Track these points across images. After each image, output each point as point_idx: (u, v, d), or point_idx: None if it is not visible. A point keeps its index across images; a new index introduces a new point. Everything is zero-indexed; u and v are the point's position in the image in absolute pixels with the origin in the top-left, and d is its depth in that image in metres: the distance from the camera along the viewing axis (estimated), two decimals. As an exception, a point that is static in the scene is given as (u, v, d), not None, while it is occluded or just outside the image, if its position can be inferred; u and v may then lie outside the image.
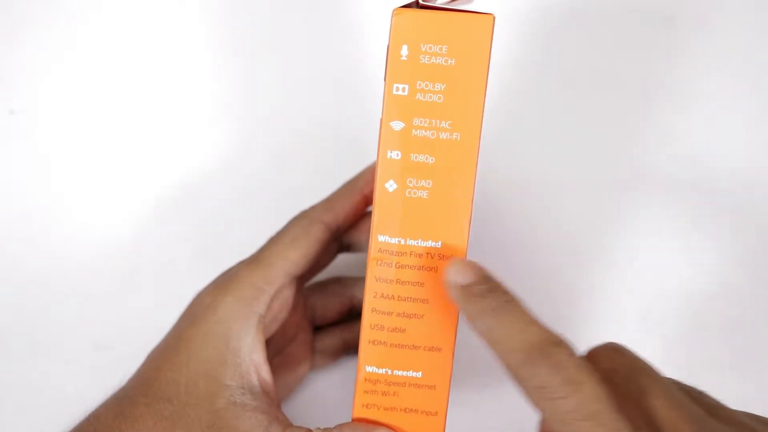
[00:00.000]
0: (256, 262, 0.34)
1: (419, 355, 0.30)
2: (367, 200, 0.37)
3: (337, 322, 0.41)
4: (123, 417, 0.31)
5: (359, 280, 0.40)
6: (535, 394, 0.26)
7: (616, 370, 0.27)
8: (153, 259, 0.43)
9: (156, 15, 0.43)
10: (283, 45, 0.43)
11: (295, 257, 0.34)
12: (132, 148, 0.43)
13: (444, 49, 0.28)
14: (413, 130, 0.28)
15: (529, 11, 0.43)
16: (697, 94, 0.43)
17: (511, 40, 0.43)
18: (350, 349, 0.40)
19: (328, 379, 0.41)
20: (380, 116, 0.28)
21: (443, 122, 0.28)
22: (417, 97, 0.28)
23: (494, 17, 0.27)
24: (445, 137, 0.28)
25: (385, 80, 0.28)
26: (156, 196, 0.43)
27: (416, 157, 0.28)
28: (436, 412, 0.30)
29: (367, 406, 0.30)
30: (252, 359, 0.32)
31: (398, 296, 0.29)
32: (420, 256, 0.29)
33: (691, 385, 0.29)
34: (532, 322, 0.27)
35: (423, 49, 0.28)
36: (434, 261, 0.29)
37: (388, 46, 0.28)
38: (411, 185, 0.29)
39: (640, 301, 0.42)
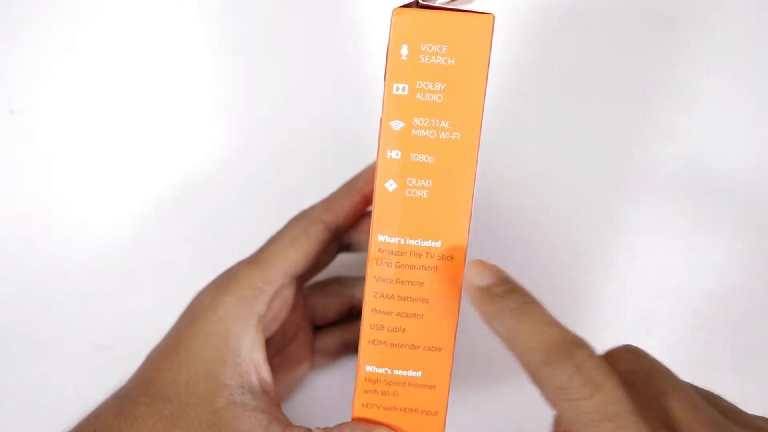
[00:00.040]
0: (255, 262, 0.34)
1: (419, 354, 0.30)
2: (367, 200, 0.37)
3: (337, 322, 0.41)
4: (123, 416, 0.31)
5: (359, 280, 0.40)
6: (554, 394, 0.26)
7: (635, 372, 0.28)
8: (153, 259, 0.43)
9: (156, 15, 0.43)
10: (283, 45, 0.43)
11: (295, 257, 0.34)
12: (132, 148, 0.43)
13: (444, 49, 0.28)
14: (413, 130, 0.28)
15: (529, 11, 0.43)
16: (697, 94, 0.43)
17: (511, 40, 0.43)
18: (350, 348, 0.40)
19: (328, 379, 0.41)
20: (380, 116, 0.28)
21: (443, 122, 0.28)
22: (417, 96, 0.28)
23: (494, 17, 0.27)
24: (444, 137, 0.28)
25: (384, 80, 0.28)
26: (156, 196, 0.43)
27: (416, 157, 0.28)
28: (436, 412, 0.30)
29: (366, 405, 0.30)
30: (252, 359, 0.32)
31: (398, 296, 0.29)
32: (420, 255, 0.29)
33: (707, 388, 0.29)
34: (552, 322, 0.27)
35: (423, 49, 0.28)
36: (434, 260, 0.29)
37: (387, 45, 0.28)
38: (411, 185, 0.29)
39: (640, 301, 0.42)
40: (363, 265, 0.41)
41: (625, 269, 0.43)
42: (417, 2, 0.28)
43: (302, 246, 0.34)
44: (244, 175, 0.43)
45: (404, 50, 0.28)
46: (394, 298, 0.29)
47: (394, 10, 0.27)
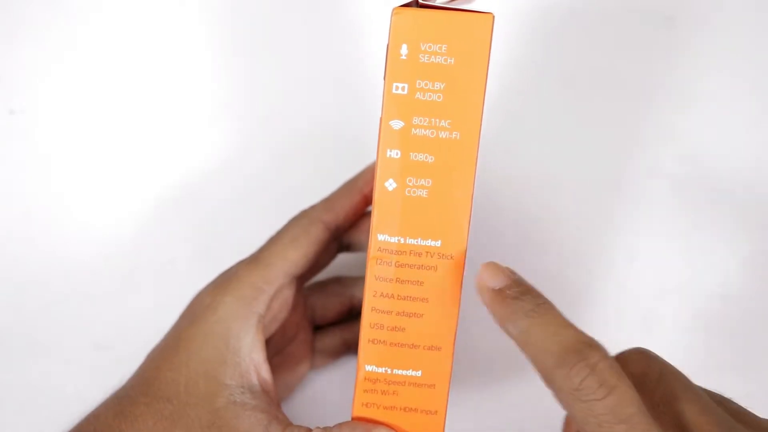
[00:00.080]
0: (255, 262, 0.34)
1: (419, 354, 0.30)
2: (367, 200, 0.37)
3: (337, 321, 0.41)
4: (123, 416, 0.31)
5: (359, 280, 0.40)
6: (568, 396, 0.26)
7: (646, 375, 0.28)
8: (153, 259, 0.43)
9: (156, 15, 0.43)
10: (283, 45, 0.43)
11: (295, 257, 0.34)
12: (132, 148, 0.43)
13: (443, 49, 0.28)
14: (413, 129, 0.28)
15: (529, 11, 0.43)
16: (697, 94, 0.43)
17: (511, 40, 0.43)
18: (350, 348, 0.40)
19: (328, 378, 0.41)
20: (380, 115, 0.28)
21: (443, 121, 0.28)
22: (416, 96, 0.28)
23: (494, 16, 0.27)
24: (444, 136, 0.28)
25: (384, 79, 0.28)
26: (156, 196, 0.43)
27: (416, 156, 0.28)
28: (436, 411, 0.30)
29: (366, 405, 0.30)
30: (252, 359, 0.32)
31: (398, 295, 0.29)
32: (420, 255, 0.29)
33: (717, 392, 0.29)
34: (566, 324, 0.27)
35: (422, 48, 0.28)
36: (434, 260, 0.29)
37: (387, 45, 0.28)
38: (410, 184, 0.29)
39: (640, 301, 0.42)
40: (363, 265, 0.41)
41: (625, 269, 0.43)
42: (417, 2, 0.28)
43: (302, 246, 0.34)
44: (244, 175, 0.43)
45: (404, 50, 0.28)
46: (393, 297, 0.29)
47: (393, 9, 0.27)
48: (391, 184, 0.29)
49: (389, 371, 0.30)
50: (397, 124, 0.28)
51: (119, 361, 0.35)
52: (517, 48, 0.43)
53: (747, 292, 0.42)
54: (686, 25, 0.43)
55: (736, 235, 0.43)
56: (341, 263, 0.41)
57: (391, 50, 0.28)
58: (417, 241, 0.29)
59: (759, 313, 0.42)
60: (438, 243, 0.29)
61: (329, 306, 0.40)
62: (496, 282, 0.28)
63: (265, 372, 0.33)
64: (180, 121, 0.44)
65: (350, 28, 0.43)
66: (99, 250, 0.43)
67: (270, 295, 0.33)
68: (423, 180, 0.29)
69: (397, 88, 0.28)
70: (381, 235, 0.29)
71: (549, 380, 0.26)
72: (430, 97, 0.28)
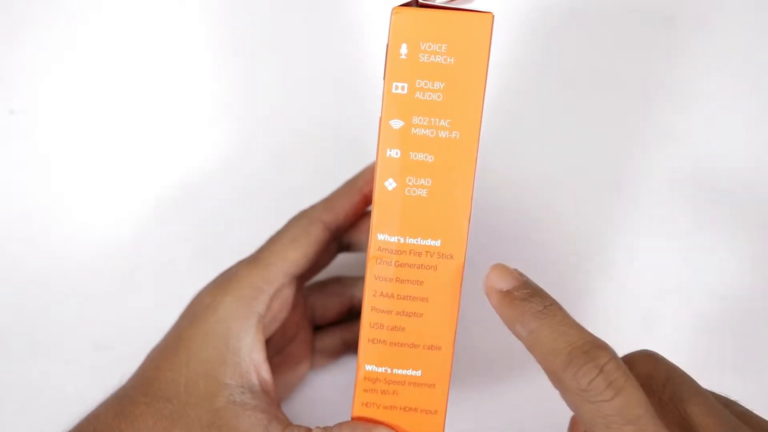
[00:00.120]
0: (255, 261, 0.34)
1: (419, 353, 0.30)
2: (367, 199, 0.37)
3: (337, 321, 0.41)
4: (123, 416, 0.31)
5: (359, 280, 0.40)
6: (575, 396, 0.26)
7: (652, 377, 0.28)
8: (153, 259, 0.43)
9: (156, 15, 0.43)
10: (283, 45, 0.43)
11: (295, 257, 0.34)
12: (132, 148, 0.43)
13: (443, 48, 0.28)
14: (412, 129, 0.28)
15: (529, 11, 0.43)
16: (697, 94, 0.43)
17: (511, 40, 0.43)
18: (350, 348, 0.40)
19: (328, 378, 0.41)
20: (380, 115, 0.28)
21: (442, 121, 0.28)
22: (416, 95, 0.28)
23: (493, 16, 0.27)
24: (444, 136, 0.28)
25: (384, 79, 0.28)
26: (156, 196, 0.43)
27: (415, 156, 0.28)
28: (436, 411, 0.30)
29: (366, 404, 0.30)
30: (252, 358, 0.32)
31: (398, 295, 0.29)
32: (419, 254, 0.29)
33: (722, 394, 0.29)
34: (575, 325, 0.27)
35: (422, 48, 0.28)
36: (434, 259, 0.29)
37: (387, 44, 0.28)
38: (410, 184, 0.29)
39: (640, 301, 0.42)
40: (363, 265, 0.41)
41: (625, 269, 0.43)
42: (416, 1, 0.28)
43: (302, 246, 0.34)
44: (244, 175, 0.43)
45: (403, 49, 0.28)
46: (393, 296, 0.29)
47: (393, 9, 0.27)
48: (390, 184, 0.29)
49: (389, 371, 0.30)
50: (396, 124, 0.28)
51: (119, 361, 0.35)
52: (517, 48, 0.43)
53: (747, 292, 0.42)
54: (686, 25, 0.43)
55: (736, 235, 0.43)
56: (341, 263, 0.41)
57: (390, 50, 0.28)
58: (417, 241, 0.29)
59: (759, 313, 0.42)
60: (438, 242, 0.29)
61: (329, 306, 0.40)
62: (505, 284, 0.28)
63: (265, 372, 0.33)
64: (180, 121, 0.44)
65: (350, 28, 0.43)
66: (99, 250, 0.43)
67: (270, 295, 0.33)
68: (423, 179, 0.29)
69: (396, 87, 0.28)
70: (381, 235, 0.29)
71: (557, 381, 0.27)
72: (429, 96, 0.28)
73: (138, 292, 0.43)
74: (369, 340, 0.30)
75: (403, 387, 0.30)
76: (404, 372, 0.30)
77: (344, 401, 0.33)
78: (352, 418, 0.30)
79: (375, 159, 0.30)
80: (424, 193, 0.29)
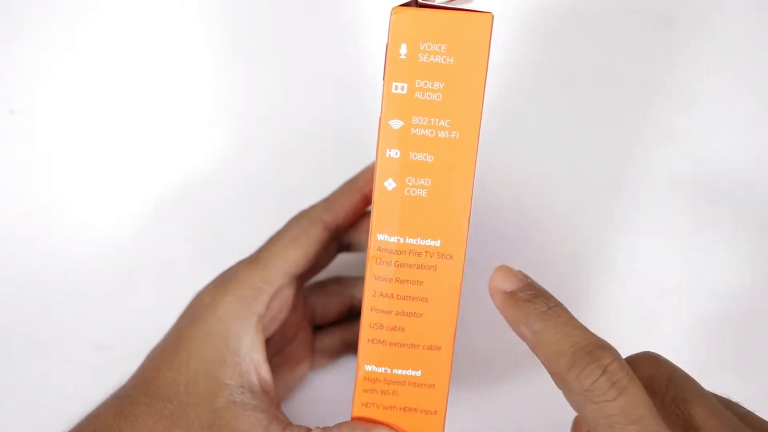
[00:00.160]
0: (255, 261, 0.34)
1: (418, 353, 0.30)
2: (367, 200, 0.37)
3: (337, 321, 0.41)
4: (123, 416, 0.31)
5: (359, 280, 0.40)
6: (579, 396, 0.26)
7: (655, 378, 0.28)
8: (153, 259, 0.43)
9: (156, 15, 0.43)
10: (283, 45, 0.43)
11: (295, 257, 0.34)
12: (132, 148, 0.43)
13: (443, 48, 0.28)
14: (412, 129, 0.28)
15: (529, 11, 0.43)
16: (697, 94, 0.43)
17: (511, 40, 0.43)
18: (350, 348, 0.40)
19: (328, 379, 0.41)
20: (379, 115, 0.28)
21: (442, 121, 0.28)
22: (416, 95, 0.28)
23: (493, 16, 0.27)
24: (444, 136, 0.28)
25: (384, 79, 0.28)
26: (156, 196, 0.43)
27: (415, 156, 0.28)
28: (436, 411, 0.30)
29: (366, 405, 0.30)
30: (251, 358, 0.32)
31: (397, 295, 0.29)
32: (419, 254, 0.29)
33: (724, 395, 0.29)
34: (579, 326, 0.27)
35: (422, 48, 0.28)
36: (433, 259, 0.29)
37: (387, 44, 0.28)
38: (410, 184, 0.29)
39: (640, 301, 0.42)
40: (363, 265, 0.41)
41: (625, 269, 0.43)
42: (416, 1, 0.28)
43: (302, 246, 0.34)
44: (244, 175, 0.43)
45: (403, 49, 0.28)
46: (393, 297, 0.29)
47: (392, 9, 0.27)
48: (390, 184, 0.29)
49: (389, 371, 0.30)
50: (396, 124, 0.28)
51: (119, 361, 0.35)
52: (517, 48, 0.43)
53: (747, 292, 0.42)
54: (686, 25, 0.43)
55: (736, 235, 0.43)
56: (341, 263, 0.41)
57: (390, 50, 0.28)
58: (416, 241, 0.29)
59: (759, 313, 0.42)
60: (437, 243, 0.29)
61: (329, 306, 0.40)
62: (509, 285, 0.28)
63: (265, 372, 0.33)
64: (180, 121, 0.44)
65: (350, 28, 0.43)
66: (99, 250, 0.43)
67: (270, 295, 0.34)
68: (422, 180, 0.29)
69: (396, 87, 0.28)
70: (380, 235, 0.29)
71: (560, 381, 0.27)
72: (429, 96, 0.28)
73: (138, 292, 0.43)
74: (369, 340, 0.30)
75: (402, 387, 0.30)
76: (404, 372, 0.30)
77: (344, 401, 0.33)
78: (352, 418, 0.30)
79: (375, 159, 0.30)
80: (423, 193, 0.29)
